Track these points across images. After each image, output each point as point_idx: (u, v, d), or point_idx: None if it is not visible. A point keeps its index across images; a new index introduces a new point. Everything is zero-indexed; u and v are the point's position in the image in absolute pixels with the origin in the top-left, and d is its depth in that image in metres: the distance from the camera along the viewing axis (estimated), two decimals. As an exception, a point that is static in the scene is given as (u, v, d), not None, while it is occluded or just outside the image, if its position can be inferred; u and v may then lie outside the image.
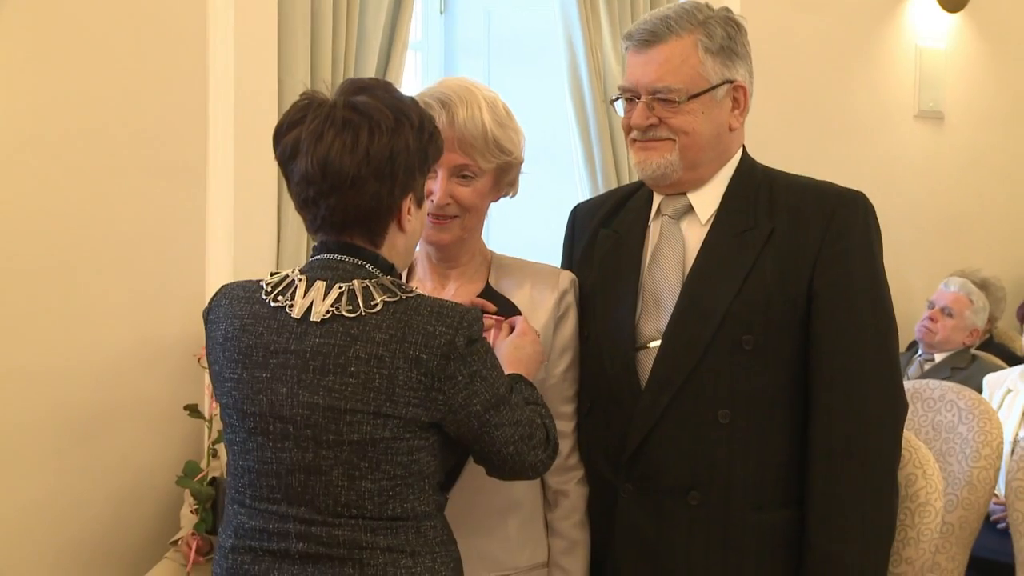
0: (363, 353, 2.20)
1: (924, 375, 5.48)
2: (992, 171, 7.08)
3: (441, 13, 5.35)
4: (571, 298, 2.81)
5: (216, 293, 2.40)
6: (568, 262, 2.94)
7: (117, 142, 3.73)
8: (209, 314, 2.37)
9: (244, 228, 3.95)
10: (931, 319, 5.62)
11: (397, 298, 2.24)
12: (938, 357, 5.58)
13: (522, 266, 2.86)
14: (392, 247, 2.33)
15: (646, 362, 2.68)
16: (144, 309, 3.81)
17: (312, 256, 2.34)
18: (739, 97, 2.71)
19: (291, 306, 2.26)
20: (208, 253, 3.93)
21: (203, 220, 3.93)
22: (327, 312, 2.23)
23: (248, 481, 2.31)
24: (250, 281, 2.36)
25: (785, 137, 5.88)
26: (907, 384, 4.24)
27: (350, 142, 2.22)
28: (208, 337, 2.37)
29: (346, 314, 2.22)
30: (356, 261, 2.29)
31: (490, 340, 2.58)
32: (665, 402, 2.63)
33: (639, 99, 2.67)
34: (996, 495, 4.39)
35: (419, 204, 2.36)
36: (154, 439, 3.84)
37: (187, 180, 3.89)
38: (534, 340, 2.59)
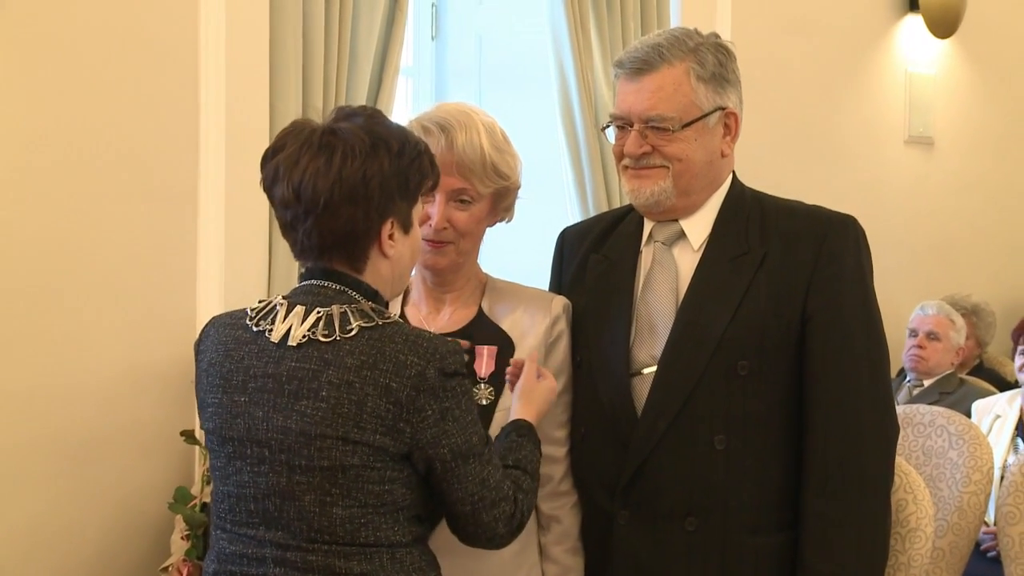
0: (335, 378, 2.21)
1: (912, 400, 5.48)
2: (982, 196, 7.10)
3: (432, 39, 5.36)
4: (563, 324, 2.81)
5: (206, 324, 2.42)
6: (557, 286, 2.94)
7: (108, 167, 3.73)
8: (199, 344, 2.40)
9: (235, 253, 3.95)
10: (919, 346, 5.62)
11: (373, 324, 2.24)
12: (926, 382, 5.58)
13: (516, 291, 2.86)
14: (376, 273, 2.33)
15: (641, 388, 2.68)
16: (134, 334, 3.80)
17: (299, 282, 2.36)
18: (730, 123, 2.72)
19: (271, 330, 2.28)
20: (199, 278, 3.93)
21: (194, 245, 3.93)
22: (303, 336, 2.24)
23: (228, 506, 2.33)
24: (239, 310, 2.38)
25: (774, 161, 5.89)
26: (898, 409, 4.26)
27: (323, 166, 2.25)
28: (196, 366, 2.40)
29: (321, 339, 2.24)
30: (338, 287, 2.31)
31: (481, 369, 2.59)
32: (662, 429, 2.63)
33: (631, 127, 2.67)
34: (986, 523, 4.39)
35: (405, 230, 2.35)
36: (144, 464, 3.83)
37: (178, 205, 3.89)
38: (552, 387, 2.59)
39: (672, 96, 2.65)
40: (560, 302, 2.85)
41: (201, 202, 3.92)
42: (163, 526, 3.79)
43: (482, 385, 2.64)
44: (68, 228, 3.66)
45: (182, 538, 3.66)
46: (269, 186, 2.32)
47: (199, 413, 2.40)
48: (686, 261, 2.73)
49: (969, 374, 5.90)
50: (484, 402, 2.63)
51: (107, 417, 3.75)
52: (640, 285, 2.75)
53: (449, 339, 2.32)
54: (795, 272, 2.65)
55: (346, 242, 2.29)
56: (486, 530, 2.32)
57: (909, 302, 6.03)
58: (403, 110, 5.15)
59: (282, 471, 2.24)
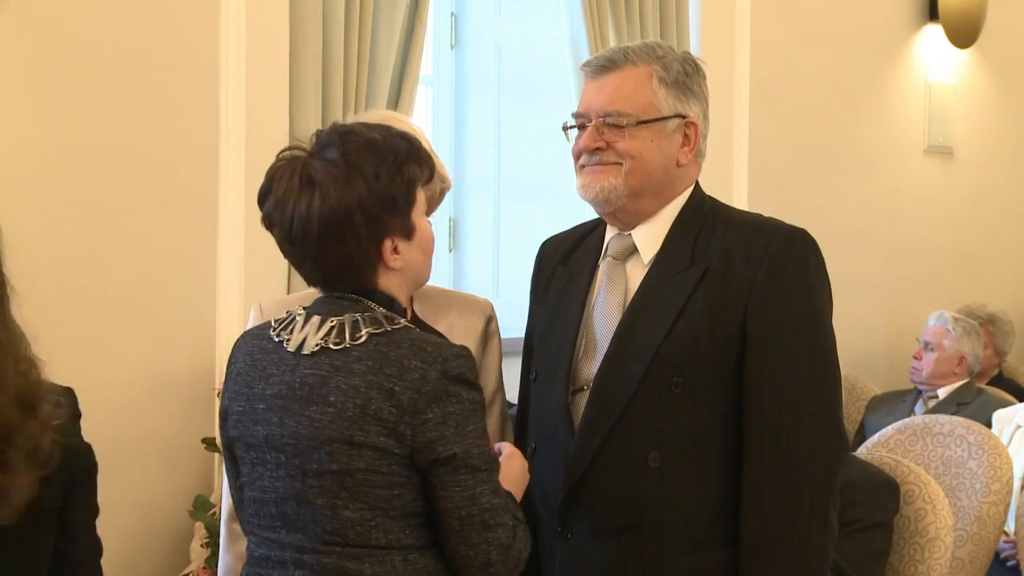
0: (343, 383, 2.24)
1: (929, 411, 5.46)
2: (1001, 206, 7.09)
3: (452, 48, 5.38)
4: (495, 325, 2.88)
5: (243, 334, 2.47)
6: (532, 298, 2.95)
7: (129, 177, 3.75)
8: (230, 356, 2.44)
9: (255, 263, 3.96)
10: (915, 357, 5.60)
11: (382, 330, 2.26)
12: (942, 393, 5.54)
13: (444, 295, 2.91)
14: (388, 282, 2.36)
15: (581, 404, 2.67)
16: (155, 342, 3.82)
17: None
18: (690, 134, 2.69)
19: (289, 340, 2.32)
20: (219, 287, 3.95)
21: (214, 253, 3.95)
22: (316, 345, 2.28)
23: (254, 511, 2.37)
24: (268, 322, 2.42)
25: (795, 172, 5.90)
26: (917, 419, 4.26)
27: (305, 210, 2.27)
28: (226, 376, 2.44)
29: (332, 347, 2.27)
30: (354, 297, 2.34)
31: None
32: (596, 445, 2.61)
33: (589, 123, 2.67)
34: (1005, 532, 4.38)
35: (408, 237, 2.36)
36: (165, 472, 3.85)
37: (198, 214, 3.91)
38: (523, 463, 2.55)
39: (632, 94, 2.64)
40: (489, 303, 2.92)
41: (221, 211, 3.94)
42: (183, 534, 3.81)
43: None
44: (89, 238, 3.69)
45: (202, 546, 3.68)
46: (268, 227, 2.38)
47: (222, 422, 2.43)
48: (635, 276, 2.70)
49: (988, 384, 5.87)
50: None
51: (128, 425, 3.77)
52: (594, 300, 2.74)
53: (460, 345, 2.32)
54: (736, 286, 2.59)
55: (347, 273, 2.33)
56: (478, 554, 2.28)
57: (928, 312, 6.01)
58: (423, 119, 5.17)
59: (297, 475, 2.27)
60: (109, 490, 3.74)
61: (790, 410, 2.57)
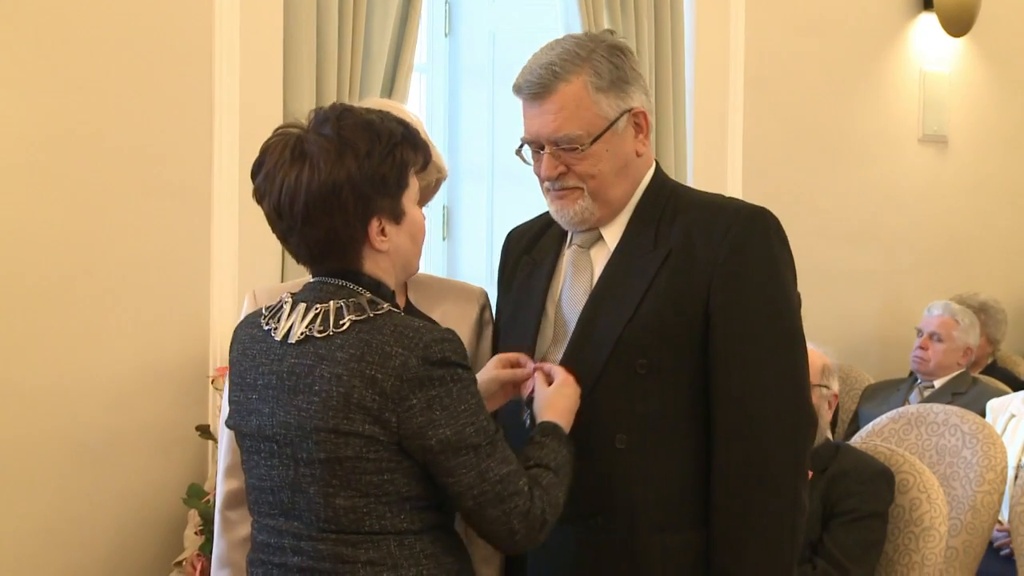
0: (327, 372, 2.24)
1: (924, 401, 5.46)
2: (996, 195, 7.09)
3: (446, 36, 5.36)
4: (488, 313, 2.89)
5: (243, 318, 2.49)
6: (499, 289, 2.95)
7: (122, 166, 3.75)
8: (230, 345, 2.47)
9: (249, 252, 3.96)
10: (922, 347, 5.59)
11: (364, 317, 2.26)
12: (937, 383, 5.55)
13: (438, 283, 2.92)
14: (375, 266, 2.36)
15: None
16: (149, 331, 3.82)
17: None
18: (640, 122, 2.68)
19: (276, 329, 2.33)
20: (213, 276, 3.94)
21: (208, 242, 3.94)
22: (301, 334, 2.29)
23: (254, 498, 2.39)
24: (266, 307, 2.43)
25: (789, 161, 5.90)
26: (910, 409, 4.26)
27: (294, 182, 2.28)
28: (228, 365, 2.47)
29: (316, 335, 2.28)
30: (339, 282, 2.34)
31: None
32: None
33: (543, 150, 2.65)
34: (1000, 521, 4.38)
35: (397, 220, 2.36)
36: (158, 460, 3.84)
37: (192, 204, 3.90)
38: (576, 391, 2.57)
39: (575, 114, 2.60)
40: (483, 292, 2.92)
41: (215, 200, 3.94)
42: (177, 521, 3.81)
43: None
44: (82, 227, 3.68)
45: (196, 533, 3.68)
46: (258, 201, 2.38)
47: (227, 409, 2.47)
48: (601, 262, 2.70)
49: (982, 373, 5.88)
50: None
51: (121, 414, 3.76)
52: (559, 287, 2.74)
53: (444, 328, 2.32)
54: (698, 267, 2.58)
55: (334, 250, 2.33)
56: (498, 526, 2.29)
57: (922, 301, 6.02)
58: (417, 107, 5.16)
59: (289, 464, 2.29)
60: (103, 478, 3.76)
61: (756, 389, 2.56)
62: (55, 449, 3.64)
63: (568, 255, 2.75)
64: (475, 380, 2.35)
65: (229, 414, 2.43)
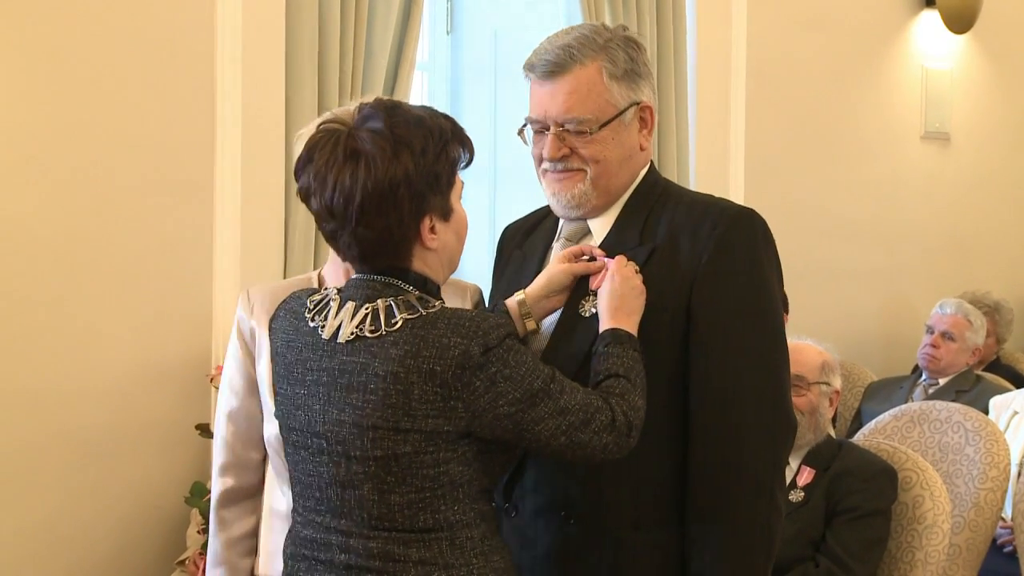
0: (381, 370, 2.22)
1: (928, 399, 5.46)
2: (998, 192, 7.09)
3: (448, 33, 5.36)
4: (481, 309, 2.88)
5: (281, 302, 2.45)
6: (492, 283, 2.95)
7: (125, 160, 3.74)
8: (272, 323, 2.44)
9: (251, 249, 3.96)
10: (933, 345, 5.56)
11: (417, 314, 2.25)
12: (942, 381, 5.54)
13: None
14: (423, 263, 2.35)
15: None
16: (151, 330, 3.81)
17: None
18: (646, 117, 2.68)
19: (323, 327, 2.30)
20: (215, 274, 3.94)
21: (211, 238, 3.94)
22: (352, 334, 2.26)
23: (299, 492, 2.38)
24: (305, 291, 2.41)
25: (791, 158, 5.89)
26: (913, 406, 4.26)
27: (349, 180, 2.24)
28: (270, 344, 2.44)
29: (368, 334, 2.25)
30: (386, 280, 2.32)
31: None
32: None
33: (548, 131, 2.65)
34: (1003, 518, 4.38)
35: (445, 218, 2.35)
36: (161, 459, 3.84)
37: (195, 201, 3.90)
38: (629, 277, 2.54)
39: (587, 97, 2.61)
40: (477, 288, 2.93)
41: (217, 198, 3.94)
42: (179, 520, 3.81)
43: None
44: (84, 224, 3.68)
45: (198, 532, 3.68)
46: (304, 199, 2.34)
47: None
48: None
49: (986, 370, 5.87)
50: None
51: (123, 413, 3.76)
52: None
53: (497, 314, 2.32)
54: (681, 267, 2.57)
55: (386, 248, 2.31)
56: (593, 447, 2.32)
57: (925, 298, 6.02)
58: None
59: (340, 462, 2.27)
60: (105, 477, 3.76)
61: (735, 389, 2.55)
62: (57, 448, 3.64)
63: (555, 248, 2.75)
64: (518, 340, 2.35)
65: (276, 404, 2.40)
